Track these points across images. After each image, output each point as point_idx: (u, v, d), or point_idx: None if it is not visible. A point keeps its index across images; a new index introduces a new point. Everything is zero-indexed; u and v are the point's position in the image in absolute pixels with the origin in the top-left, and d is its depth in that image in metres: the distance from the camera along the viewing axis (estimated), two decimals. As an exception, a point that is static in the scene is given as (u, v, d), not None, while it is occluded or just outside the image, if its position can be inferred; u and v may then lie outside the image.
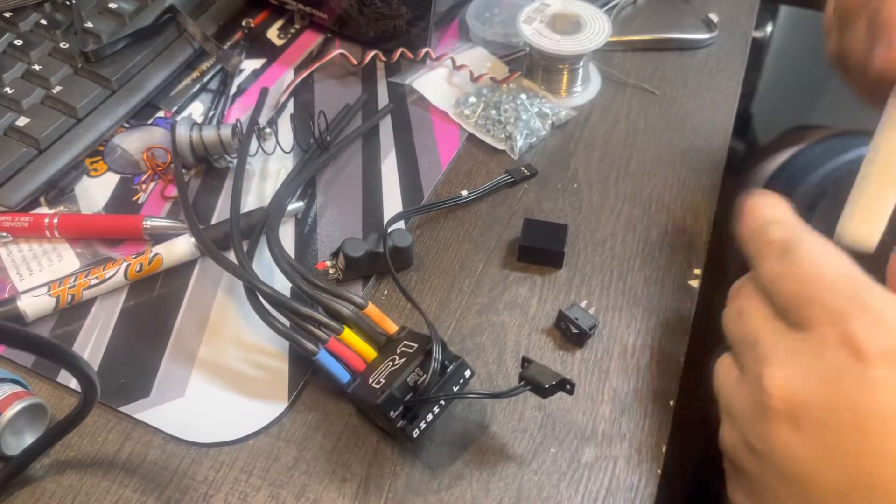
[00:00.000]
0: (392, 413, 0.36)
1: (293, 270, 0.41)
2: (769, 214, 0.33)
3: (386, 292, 0.46)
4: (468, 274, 0.46)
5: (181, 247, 0.46)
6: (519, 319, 0.44)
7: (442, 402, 0.37)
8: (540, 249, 0.46)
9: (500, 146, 0.53)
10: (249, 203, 0.50)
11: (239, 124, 0.51)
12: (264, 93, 0.56)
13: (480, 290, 0.46)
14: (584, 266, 0.47)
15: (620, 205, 0.50)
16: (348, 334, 0.39)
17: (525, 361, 0.38)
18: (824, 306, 0.29)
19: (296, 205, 0.49)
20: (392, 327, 0.41)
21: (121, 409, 0.40)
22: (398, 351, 0.39)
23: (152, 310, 0.44)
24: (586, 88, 0.58)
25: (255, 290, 0.41)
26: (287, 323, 0.40)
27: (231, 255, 0.44)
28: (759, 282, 0.32)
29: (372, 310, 0.40)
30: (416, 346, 0.38)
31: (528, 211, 0.50)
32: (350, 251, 0.44)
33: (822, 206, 0.53)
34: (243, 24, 0.62)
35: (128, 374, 0.41)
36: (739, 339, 0.32)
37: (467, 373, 0.38)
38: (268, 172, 0.52)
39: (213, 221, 0.49)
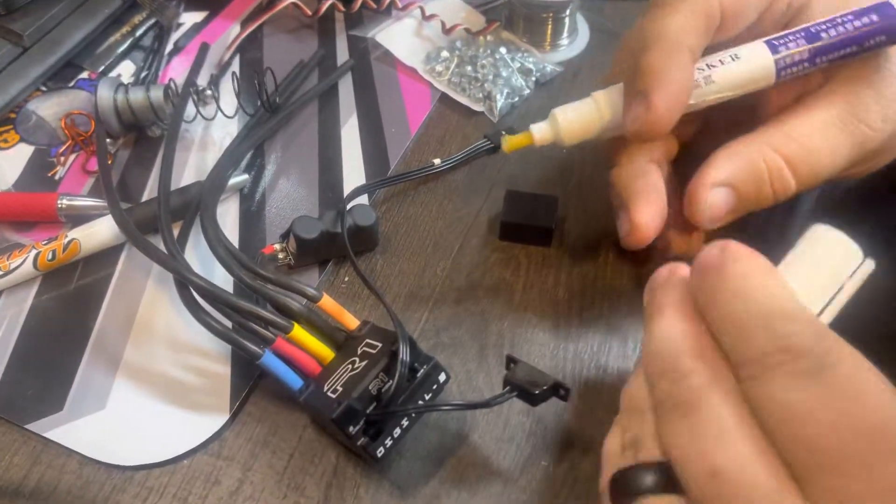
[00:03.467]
0: (351, 429, 0.30)
1: (231, 257, 0.34)
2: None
3: (347, 279, 0.39)
4: (442, 256, 0.40)
5: (103, 230, 0.39)
6: (502, 308, 0.38)
7: (412, 414, 0.31)
8: (525, 226, 0.40)
9: (478, 107, 0.47)
10: (187, 177, 0.43)
11: (173, 85, 0.44)
12: (204, 49, 0.49)
13: (457, 274, 0.39)
14: (576, 244, 0.41)
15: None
16: (299, 332, 0.33)
17: (510, 361, 0.32)
18: None
19: (239, 178, 0.42)
20: (352, 322, 0.34)
21: (27, 426, 0.34)
22: (359, 351, 0.33)
23: (68, 306, 0.38)
24: (573, 41, 0.51)
25: (186, 282, 0.34)
26: (228, 321, 0.33)
27: (160, 241, 0.37)
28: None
29: (327, 302, 0.34)
30: (380, 345, 0.32)
31: (511, 181, 0.43)
32: (302, 232, 0.37)
33: None
34: (182, -29, 0.54)
35: (37, 384, 0.35)
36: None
37: (441, 377, 0.32)
38: (209, 141, 0.45)
39: (144, 199, 0.42)
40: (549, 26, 0.50)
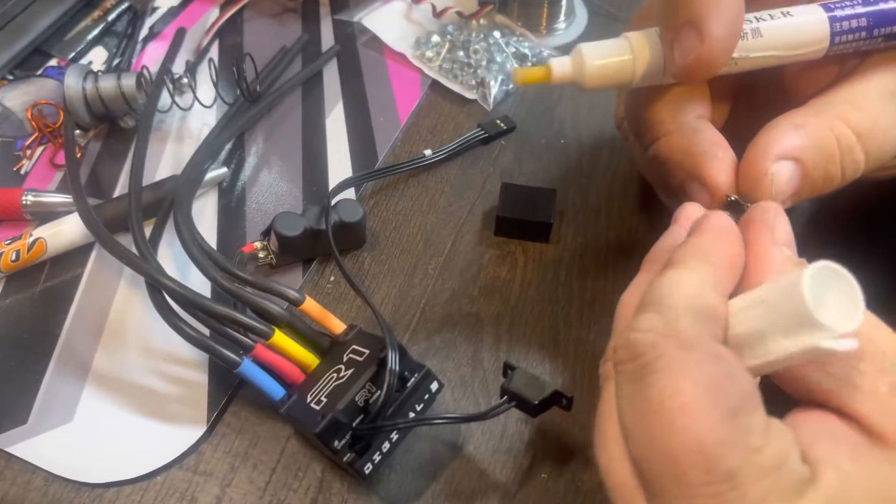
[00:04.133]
0: (336, 443, 0.28)
1: (207, 258, 0.32)
2: (658, 293, 0.22)
3: (333, 279, 0.37)
4: (434, 253, 0.38)
5: (71, 229, 0.36)
6: (498, 308, 0.36)
7: (402, 427, 0.29)
8: (522, 221, 0.37)
9: (471, 95, 0.44)
10: (162, 171, 0.40)
11: (146, 73, 0.41)
12: (181, 34, 0.46)
13: (450, 272, 0.37)
14: (576, 239, 0.38)
15: (616, 163, 0.42)
16: (280, 338, 0.31)
17: (508, 368, 0.29)
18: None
19: (217, 171, 0.39)
20: (338, 326, 0.32)
21: (-11, 441, 0.31)
22: (345, 359, 0.30)
23: (34, 310, 0.35)
24: (570, 24, 0.49)
25: (158, 286, 0.31)
26: (204, 327, 0.31)
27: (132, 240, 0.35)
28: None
29: (311, 306, 0.32)
30: (367, 352, 0.30)
31: (507, 173, 0.41)
32: (284, 229, 0.35)
33: None
34: (157, -48, 0.51)
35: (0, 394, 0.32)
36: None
37: (434, 386, 0.30)
38: (186, 132, 0.42)
39: (117, 195, 0.39)
40: (545, 9, 0.48)
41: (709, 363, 0.20)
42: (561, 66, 0.29)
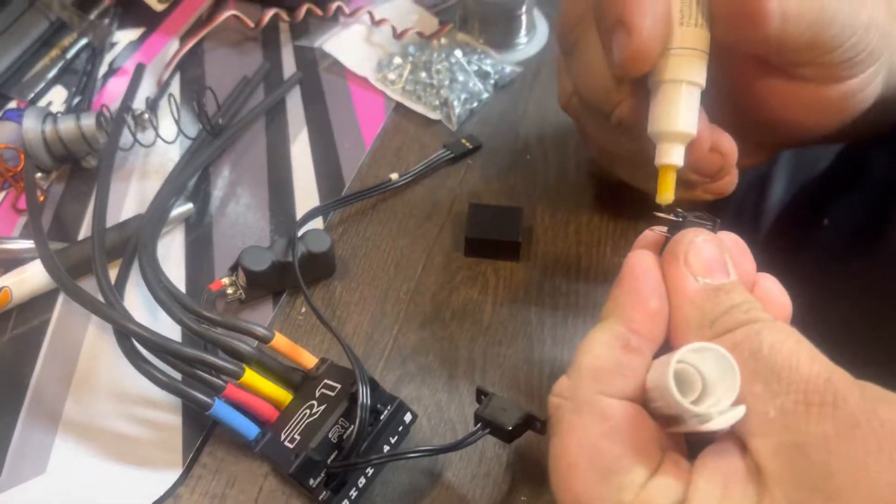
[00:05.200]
0: (311, 482, 0.28)
1: (173, 300, 0.32)
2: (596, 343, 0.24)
3: (304, 310, 0.37)
4: (406, 278, 0.38)
5: (36, 276, 0.36)
6: (471, 330, 0.36)
7: (376, 463, 0.28)
8: (491, 241, 0.37)
9: (435, 115, 0.44)
10: (128, 211, 0.40)
11: (107, 111, 0.41)
12: (140, 70, 0.46)
13: (422, 296, 0.37)
14: (546, 256, 0.38)
15: (584, 177, 0.42)
16: (251, 377, 0.30)
17: (481, 394, 0.29)
18: None
19: (183, 208, 0.39)
20: (310, 360, 0.32)
21: (-40, 499, 0.31)
22: (317, 394, 0.30)
23: (2, 360, 0.35)
24: (532, 38, 0.49)
25: (125, 332, 0.31)
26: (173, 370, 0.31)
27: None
28: None
29: (280, 342, 0.31)
30: (338, 386, 0.30)
31: (474, 193, 0.41)
32: (250, 264, 0.34)
33: None
34: (114, -14, 0.51)
35: (-31, 450, 0.32)
36: None
37: (408, 417, 0.30)
38: (150, 169, 0.42)
39: (82, 237, 0.39)
40: (506, 25, 0.48)
41: (594, 425, 0.22)
42: (676, 157, 0.28)
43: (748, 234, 0.27)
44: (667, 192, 0.28)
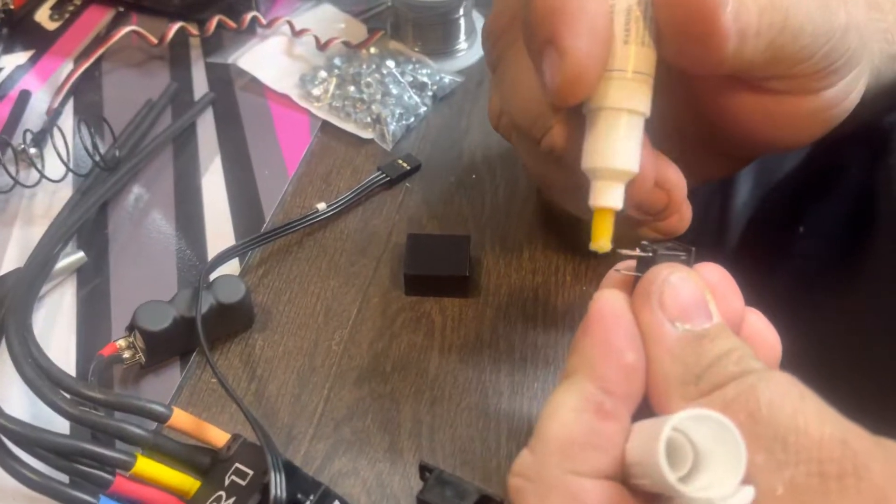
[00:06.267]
0: None
1: (43, 378, 0.26)
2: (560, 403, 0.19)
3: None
4: (338, 325, 0.33)
5: None
6: (416, 384, 0.31)
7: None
8: (434, 276, 0.33)
9: (367, 134, 0.39)
10: (9, 262, 0.34)
11: (-20, 148, 0.35)
12: (24, 98, 0.40)
13: (357, 346, 0.32)
14: (498, 290, 0.34)
15: (536, 195, 0.37)
16: (146, 465, 0.25)
17: (424, 471, 0.25)
18: None
19: (72, 257, 0.33)
20: (219, 437, 0.27)
21: None
22: (226, 482, 0.25)
23: None
24: (473, 44, 0.45)
25: (-16, 420, 0.25)
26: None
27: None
28: None
29: (181, 419, 0.26)
30: (251, 472, 0.24)
31: (415, 221, 0.36)
32: (148, 324, 0.29)
33: None
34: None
35: None
36: None
37: (337, 506, 0.24)
38: (36, 213, 0.36)
39: (-48, 297, 0.33)
40: (443, 30, 0.43)
41: None
42: (613, 199, 0.23)
43: (714, 246, 0.23)
44: (602, 239, 0.23)
